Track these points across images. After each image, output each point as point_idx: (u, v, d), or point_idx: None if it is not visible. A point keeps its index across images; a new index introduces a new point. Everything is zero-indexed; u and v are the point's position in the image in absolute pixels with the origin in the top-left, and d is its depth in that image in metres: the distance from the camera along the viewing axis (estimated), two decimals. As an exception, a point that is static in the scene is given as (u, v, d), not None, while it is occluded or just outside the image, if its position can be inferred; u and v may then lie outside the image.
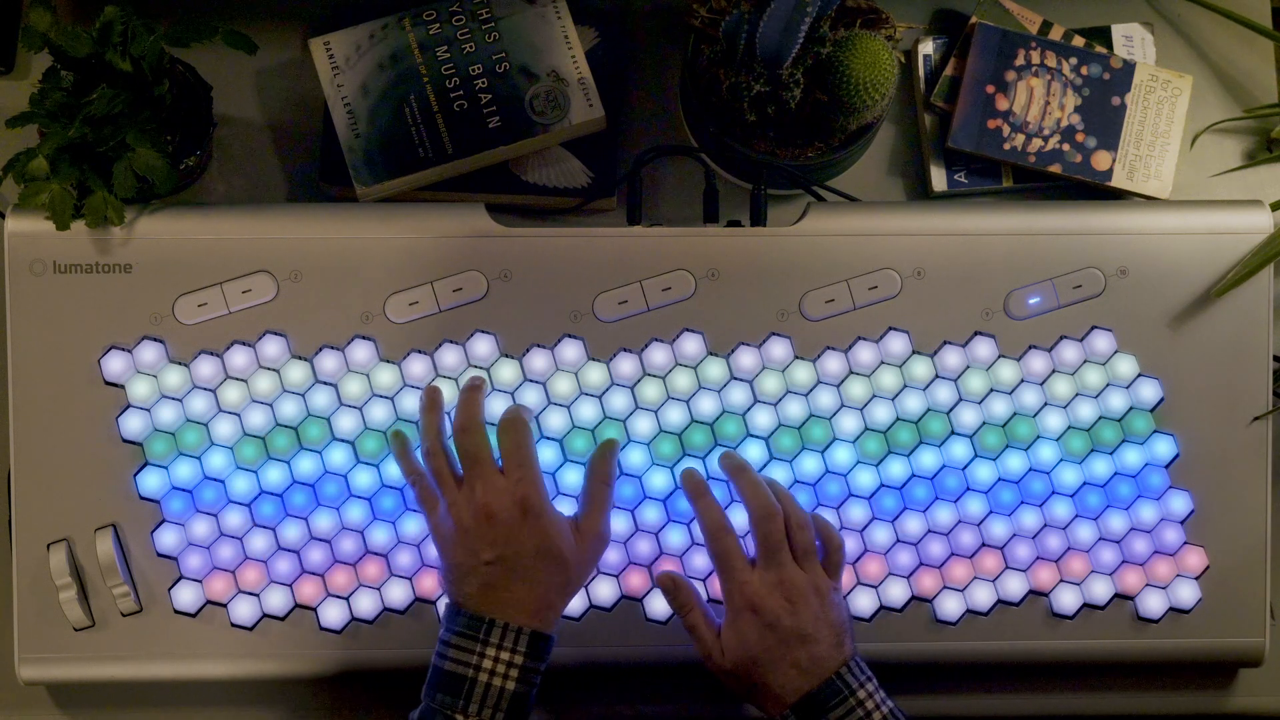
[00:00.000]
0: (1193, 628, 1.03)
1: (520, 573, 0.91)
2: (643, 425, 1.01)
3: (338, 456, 1.00)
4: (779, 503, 0.96)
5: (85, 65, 0.97)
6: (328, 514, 1.00)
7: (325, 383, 1.01)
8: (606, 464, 0.98)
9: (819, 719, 0.90)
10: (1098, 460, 1.03)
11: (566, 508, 0.98)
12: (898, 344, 1.02)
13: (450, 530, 0.93)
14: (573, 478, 1.00)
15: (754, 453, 1.01)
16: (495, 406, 1.00)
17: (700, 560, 1.01)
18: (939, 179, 1.12)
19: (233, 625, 1.00)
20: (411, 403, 1.00)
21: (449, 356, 1.01)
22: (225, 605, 1.00)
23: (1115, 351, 1.03)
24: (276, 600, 1.00)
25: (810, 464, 1.01)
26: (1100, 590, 1.02)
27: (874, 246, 1.02)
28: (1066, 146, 1.11)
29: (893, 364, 1.02)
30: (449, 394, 1.00)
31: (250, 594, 1.00)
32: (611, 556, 1.01)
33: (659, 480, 1.01)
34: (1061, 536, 1.02)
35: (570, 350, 1.01)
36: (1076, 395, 1.03)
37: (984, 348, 1.03)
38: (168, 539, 1.00)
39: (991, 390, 1.03)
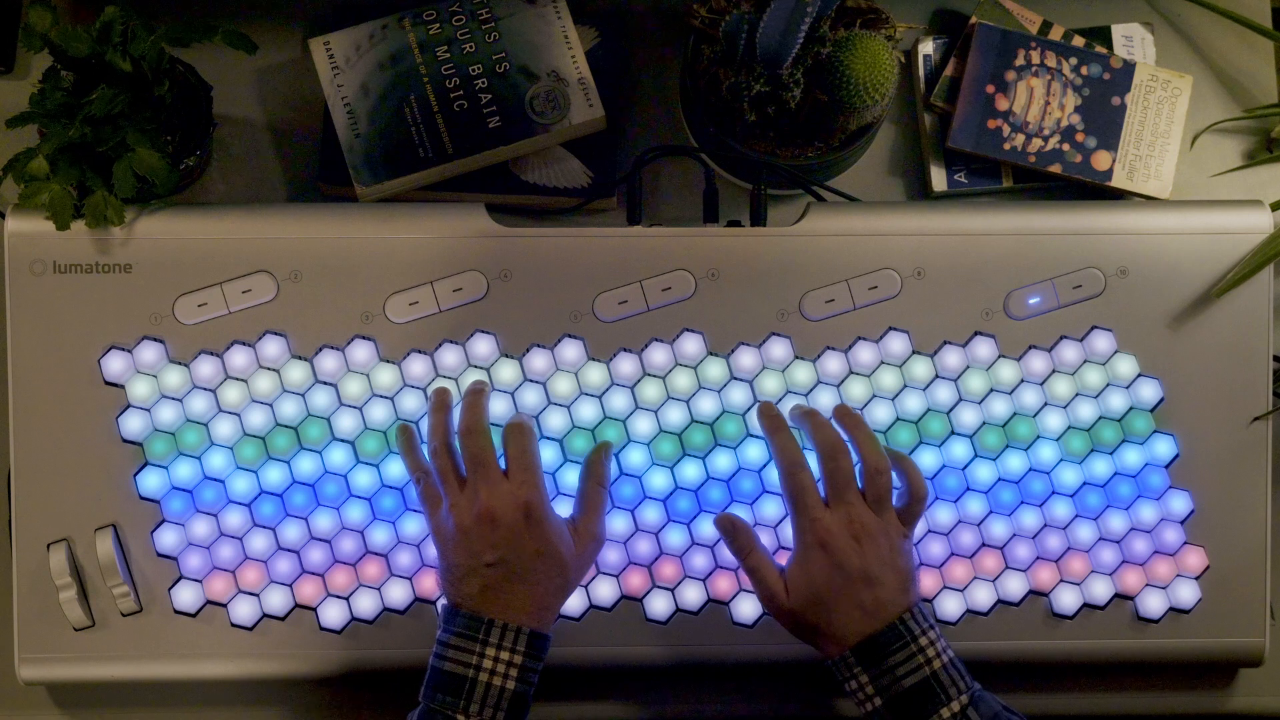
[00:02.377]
0: (1193, 628, 1.03)
1: (520, 575, 0.91)
2: (643, 425, 1.01)
3: (338, 456, 1.00)
4: (862, 445, 0.95)
5: (85, 65, 0.97)
6: (328, 514, 1.00)
7: (325, 383, 1.01)
8: (601, 466, 0.98)
9: (880, 662, 0.89)
10: (1098, 460, 1.03)
11: (565, 508, 0.98)
12: (898, 344, 1.02)
13: (451, 530, 0.93)
14: (572, 478, 1.00)
15: (754, 453, 1.01)
16: (496, 408, 1.00)
17: (700, 560, 1.01)
18: (939, 179, 1.12)
19: (233, 625, 1.00)
20: (411, 403, 1.00)
21: (449, 356, 1.01)
22: (225, 605, 1.00)
23: (1115, 351, 1.03)
24: (276, 600, 1.00)
25: (810, 464, 1.01)
26: (1100, 590, 1.02)
27: (874, 246, 1.02)
28: (1066, 146, 1.11)
29: (893, 364, 1.02)
30: (455, 395, 1.00)
31: (250, 594, 1.00)
32: (611, 556, 1.01)
33: (659, 480, 1.01)
34: (1061, 536, 1.02)
35: (570, 350, 1.01)
36: (1076, 395, 1.03)
37: (984, 348, 1.03)
38: (168, 539, 1.00)
39: (991, 390, 1.03)
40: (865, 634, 0.90)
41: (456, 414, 0.97)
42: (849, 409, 0.99)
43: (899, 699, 0.88)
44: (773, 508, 1.01)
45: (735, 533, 0.96)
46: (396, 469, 1.00)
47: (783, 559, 0.95)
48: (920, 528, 1.01)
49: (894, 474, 0.96)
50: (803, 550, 0.92)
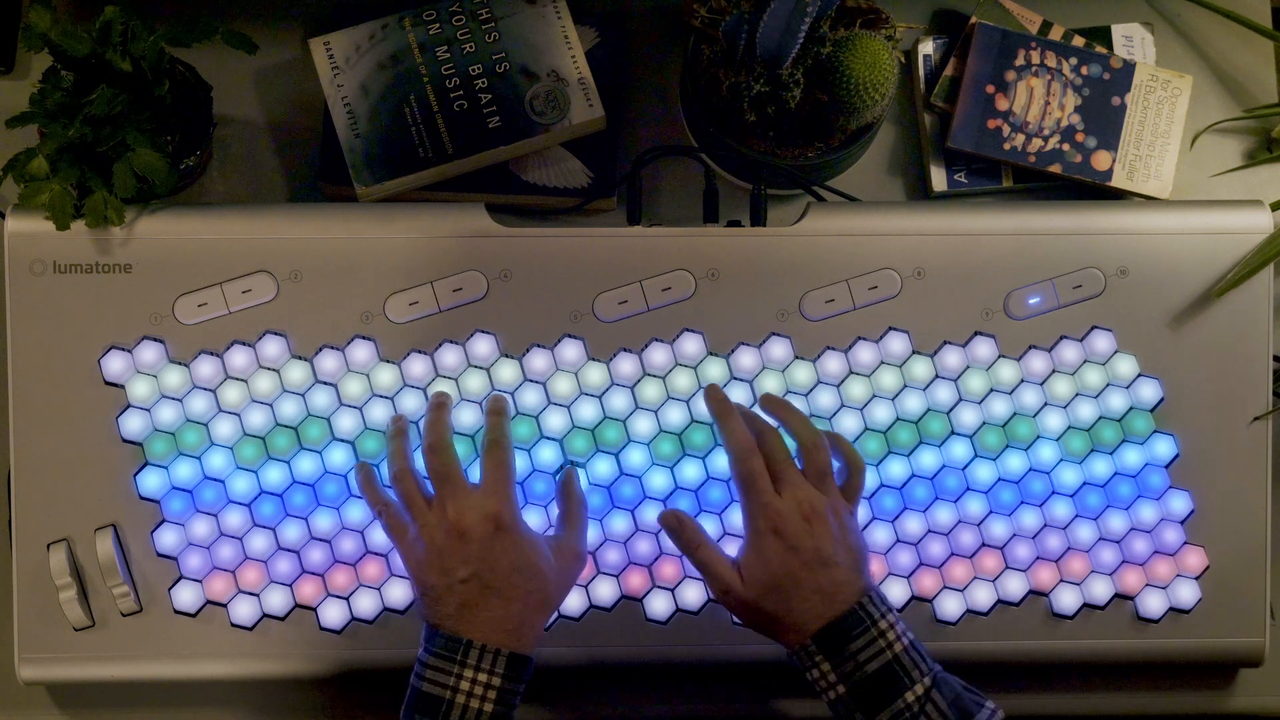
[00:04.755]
0: (1193, 628, 1.03)
1: (496, 590, 0.90)
2: (643, 425, 1.01)
3: (338, 456, 1.00)
4: (794, 425, 0.95)
5: (85, 65, 0.97)
6: (328, 514, 1.00)
7: (325, 383, 1.01)
8: (576, 486, 0.98)
9: (841, 649, 0.88)
10: (1098, 460, 1.03)
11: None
12: (898, 344, 1.02)
13: (422, 552, 0.92)
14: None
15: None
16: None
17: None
18: (939, 179, 1.12)
19: (233, 625, 1.00)
20: (411, 403, 1.00)
21: (449, 356, 1.01)
22: (225, 605, 1.00)
23: (1115, 351, 1.03)
24: (276, 600, 1.00)
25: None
26: (1100, 590, 1.02)
27: (874, 246, 1.02)
28: (1066, 146, 1.11)
29: (893, 364, 1.02)
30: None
31: (250, 594, 1.00)
32: (611, 556, 1.01)
33: (659, 480, 1.01)
34: (1061, 536, 1.02)
35: (570, 350, 1.01)
36: (1076, 395, 1.03)
37: (984, 348, 1.03)
38: (168, 539, 1.00)
39: (991, 390, 1.03)
40: (825, 619, 0.89)
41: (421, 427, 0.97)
42: (773, 395, 0.99)
43: (862, 685, 0.88)
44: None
45: (681, 528, 0.95)
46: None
47: (730, 549, 0.95)
48: (920, 527, 1.01)
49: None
50: (756, 537, 0.92)
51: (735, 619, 0.94)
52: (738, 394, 1.01)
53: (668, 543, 1.01)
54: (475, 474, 0.95)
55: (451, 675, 0.88)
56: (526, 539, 0.92)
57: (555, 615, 1.00)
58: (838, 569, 0.90)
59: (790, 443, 0.96)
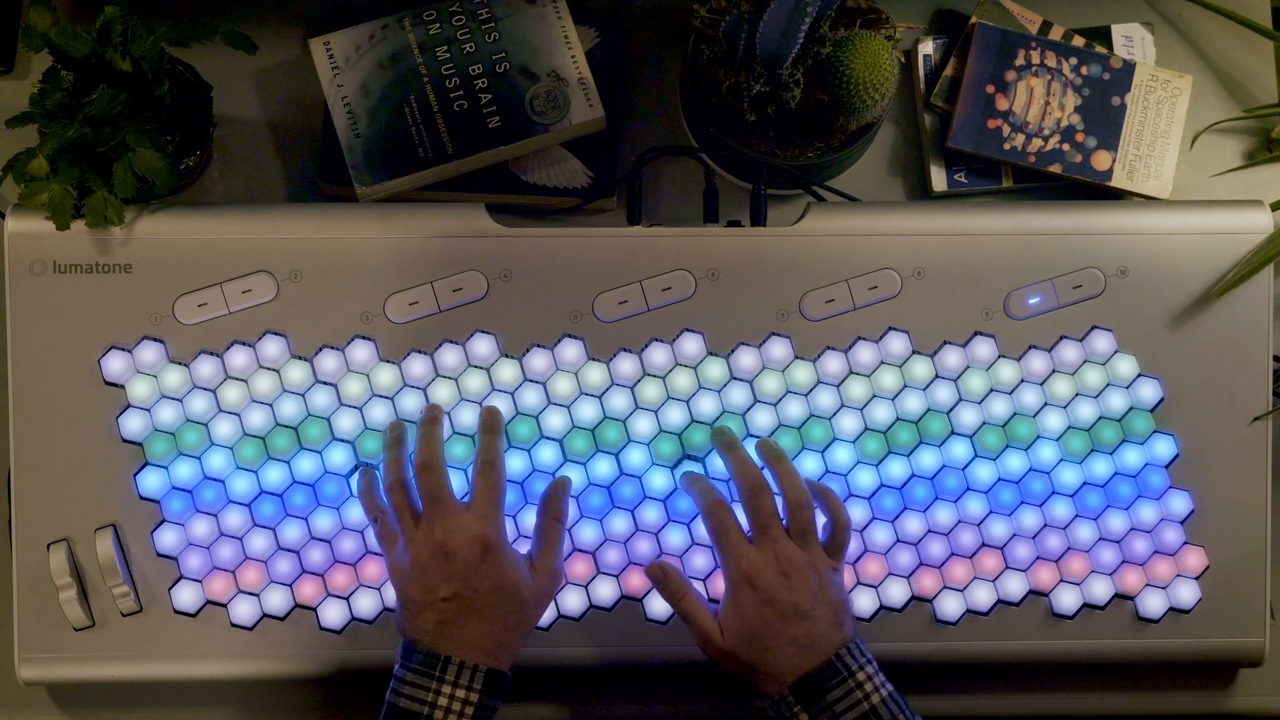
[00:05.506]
0: (1193, 628, 1.03)
1: (477, 610, 0.90)
2: (643, 425, 1.01)
3: (337, 456, 1.00)
4: (783, 480, 0.95)
5: (85, 65, 0.97)
6: (327, 514, 1.00)
7: (325, 383, 1.01)
8: (559, 502, 0.98)
9: (818, 700, 0.89)
10: (1098, 460, 1.03)
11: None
12: (898, 344, 1.02)
13: (407, 566, 0.92)
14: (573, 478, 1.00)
15: (754, 454, 1.01)
16: (497, 407, 1.00)
17: (700, 560, 1.01)
18: (939, 179, 1.12)
19: (233, 625, 1.00)
20: (411, 403, 1.00)
21: (449, 356, 1.01)
22: (225, 605, 1.00)
23: (1115, 351, 1.03)
24: (276, 600, 1.00)
25: (810, 464, 1.01)
26: (1100, 590, 1.02)
27: (874, 246, 1.02)
28: (1066, 146, 1.11)
29: (893, 364, 1.02)
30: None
31: (250, 594, 1.00)
32: (611, 556, 1.01)
33: (659, 480, 1.01)
34: (1061, 536, 1.02)
35: (570, 350, 1.01)
36: (1076, 395, 1.03)
37: (984, 348, 1.03)
38: (168, 539, 1.00)
39: (991, 390, 1.03)
40: (803, 670, 0.90)
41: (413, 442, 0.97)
42: (770, 443, 1.00)
43: None
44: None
45: (666, 580, 0.96)
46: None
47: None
48: (920, 527, 1.01)
49: (816, 508, 0.96)
50: (731, 589, 0.93)
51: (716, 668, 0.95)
52: (738, 394, 1.01)
53: (668, 542, 1.01)
54: (469, 475, 0.95)
55: (429, 691, 0.88)
56: (510, 562, 0.93)
57: (560, 616, 1.00)
58: (815, 622, 0.91)
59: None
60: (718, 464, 1.00)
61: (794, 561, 0.92)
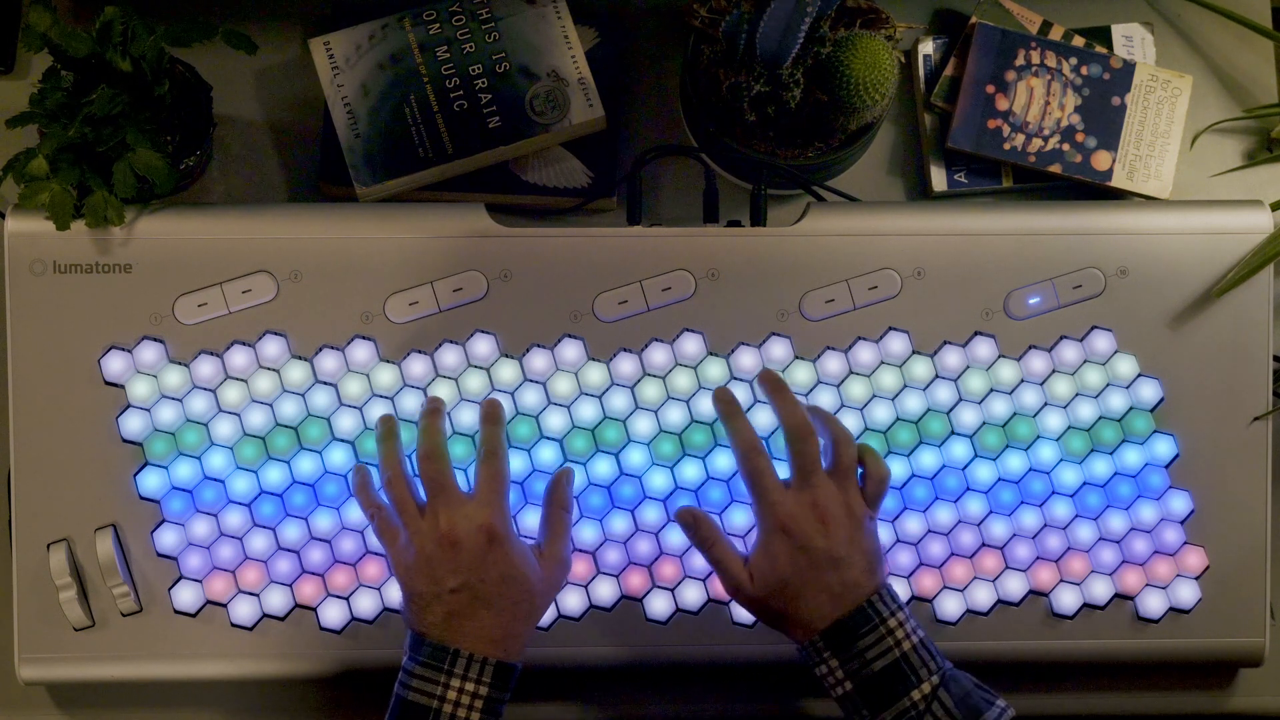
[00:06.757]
0: (1193, 628, 1.03)
1: (485, 600, 0.90)
2: (643, 425, 1.01)
3: (337, 456, 1.00)
4: (820, 422, 0.95)
5: (85, 65, 0.97)
6: (328, 514, 1.00)
7: (325, 383, 1.01)
8: (564, 491, 0.98)
9: (849, 646, 0.89)
10: (1098, 460, 1.03)
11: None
12: (898, 344, 1.02)
13: (412, 559, 0.92)
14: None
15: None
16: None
17: (700, 560, 1.00)
18: (939, 179, 1.12)
19: (233, 625, 1.00)
20: (411, 403, 1.00)
21: (449, 356, 1.01)
22: (225, 605, 1.00)
23: (1115, 351, 1.03)
24: (276, 600, 1.00)
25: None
26: (1100, 590, 1.02)
27: (874, 246, 1.02)
28: (1066, 146, 1.11)
29: (893, 364, 1.02)
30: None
31: (250, 594, 1.00)
32: (611, 556, 1.01)
33: (659, 480, 1.01)
34: (1061, 536, 1.02)
35: (570, 350, 1.01)
36: (1076, 395, 1.03)
37: (984, 348, 1.03)
38: (168, 539, 1.00)
39: (991, 390, 1.03)
40: (834, 618, 0.89)
41: (412, 434, 0.97)
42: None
43: (869, 682, 0.88)
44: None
45: (698, 524, 0.95)
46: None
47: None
48: (920, 527, 1.01)
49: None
50: (765, 535, 0.92)
51: (734, 619, 0.94)
52: (738, 395, 1.01)
53: (668, 542, 1.01)
54: (470, 473, 0.95)
55: (438, 685, 0.88)
56: (517, 551, 0.92)
57: (560, 616, 0.99)
58: (849, 569, 0.90)
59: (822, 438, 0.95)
60: (720, 463, 1.00)
61: (831, 508, 0.91)
